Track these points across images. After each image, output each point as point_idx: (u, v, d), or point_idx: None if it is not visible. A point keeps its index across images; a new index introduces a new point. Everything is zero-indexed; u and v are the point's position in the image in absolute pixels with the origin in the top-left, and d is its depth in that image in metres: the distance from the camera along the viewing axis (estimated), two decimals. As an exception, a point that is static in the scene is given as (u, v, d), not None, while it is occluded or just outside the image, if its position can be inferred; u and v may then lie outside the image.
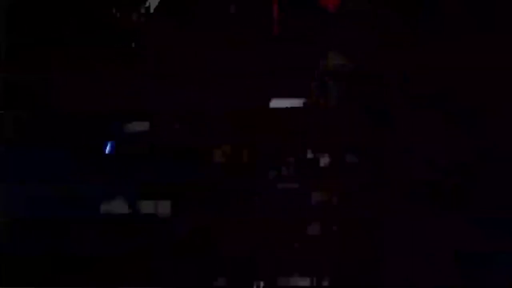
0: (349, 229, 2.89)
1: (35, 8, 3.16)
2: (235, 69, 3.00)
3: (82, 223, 3.01)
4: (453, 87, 2.72)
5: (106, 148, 3.09)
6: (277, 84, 2.97)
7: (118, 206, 3.06)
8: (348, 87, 2.86)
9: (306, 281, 2.85)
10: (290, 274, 2.84)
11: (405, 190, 2.77)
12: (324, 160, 3.01)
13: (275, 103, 2.95)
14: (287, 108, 2.99)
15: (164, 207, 3.03)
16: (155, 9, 3.12)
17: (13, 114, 3.14)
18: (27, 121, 3.13)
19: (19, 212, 3.03)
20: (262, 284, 2.83)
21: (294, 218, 2.88)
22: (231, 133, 2.98)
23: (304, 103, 2.96)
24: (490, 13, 2.74)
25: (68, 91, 3.14)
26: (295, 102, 3.00)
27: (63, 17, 3.17)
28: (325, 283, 2.81)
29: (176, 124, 3.10)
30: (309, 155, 2.97)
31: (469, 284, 2.60)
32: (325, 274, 2.83)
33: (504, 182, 2.70)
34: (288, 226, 2.87)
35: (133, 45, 3.12)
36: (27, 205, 3.03)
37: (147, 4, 3.15)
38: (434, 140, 2.76)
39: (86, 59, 3.13)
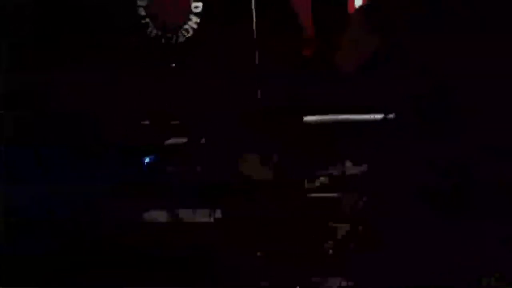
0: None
1: None
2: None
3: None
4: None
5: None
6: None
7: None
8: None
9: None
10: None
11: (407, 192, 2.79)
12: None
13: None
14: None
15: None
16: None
17: (13, 114, 3.14)
18: (27, 121, 3.13)
19: (19, 212, 3.03)
20: None
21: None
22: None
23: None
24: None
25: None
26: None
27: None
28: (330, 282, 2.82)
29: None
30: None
31: (469, 284, 2.60)
32: (326, 274, 2.84)
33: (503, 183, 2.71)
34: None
35: None
36: (27, 205, 3.03)
37: None
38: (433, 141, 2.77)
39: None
